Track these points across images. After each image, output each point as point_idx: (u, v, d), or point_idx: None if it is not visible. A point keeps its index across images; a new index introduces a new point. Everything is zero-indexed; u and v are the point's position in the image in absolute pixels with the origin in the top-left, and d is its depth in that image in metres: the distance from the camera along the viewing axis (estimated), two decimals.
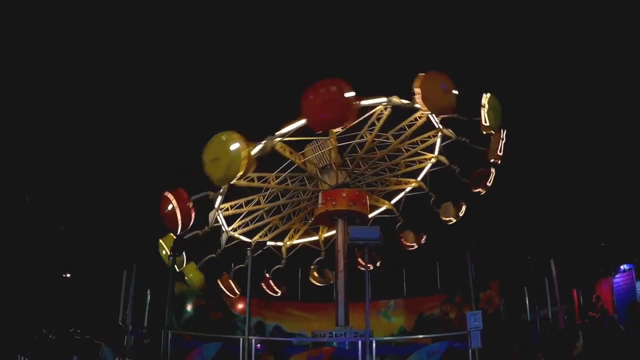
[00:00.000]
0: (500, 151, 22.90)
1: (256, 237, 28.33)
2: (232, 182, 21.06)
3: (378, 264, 29.39)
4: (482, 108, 21.79)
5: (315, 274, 29.84)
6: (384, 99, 22.17)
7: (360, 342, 18.07)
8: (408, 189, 27.94)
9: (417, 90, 19.74)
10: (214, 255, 26.47)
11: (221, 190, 24.01)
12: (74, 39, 32.64)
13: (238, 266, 27.59)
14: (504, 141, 22.99)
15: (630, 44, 30.82)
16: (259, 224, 27.75)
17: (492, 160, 23.49)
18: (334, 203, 24.45)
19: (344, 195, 24.55)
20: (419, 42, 35.15)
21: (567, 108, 32.89)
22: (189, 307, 26.80)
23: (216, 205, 25.54)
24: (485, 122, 21.72)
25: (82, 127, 32.69)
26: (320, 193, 25.31)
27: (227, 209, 26.46)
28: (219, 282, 27.34)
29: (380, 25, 37.69)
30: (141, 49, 35.48)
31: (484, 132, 22.52)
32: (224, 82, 38.17)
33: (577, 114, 32.04)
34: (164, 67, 36.10)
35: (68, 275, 33.19)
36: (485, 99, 21.74)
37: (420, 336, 24.51)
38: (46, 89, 31.14)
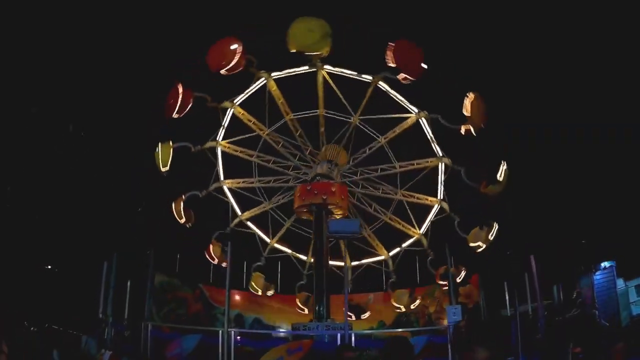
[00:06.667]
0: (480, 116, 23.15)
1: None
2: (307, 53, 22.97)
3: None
4: (465, 98, 22.54)
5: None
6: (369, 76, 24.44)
7: (339, 335, 18.14)
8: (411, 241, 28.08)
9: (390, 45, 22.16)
10: (199, 193, 25.94)
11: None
12: None
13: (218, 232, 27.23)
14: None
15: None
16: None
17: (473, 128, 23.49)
18: (315, 193, 24.36)
19: (325, 187, 24.47)
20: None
21: (550, 105, 33.00)
22: (169, 299, 26.66)
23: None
24: (467, 112, 22.57)
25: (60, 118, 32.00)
26: (299, 185, 25.35)
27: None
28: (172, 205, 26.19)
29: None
30: None
31: (463, 130, 23.03)
32: None
33: (560, 112, 32.17)
34: None
35: (49, 267, 32.81)
36: (471, 94, 22.68)
37: (400, 330, 24.62)
38: None
